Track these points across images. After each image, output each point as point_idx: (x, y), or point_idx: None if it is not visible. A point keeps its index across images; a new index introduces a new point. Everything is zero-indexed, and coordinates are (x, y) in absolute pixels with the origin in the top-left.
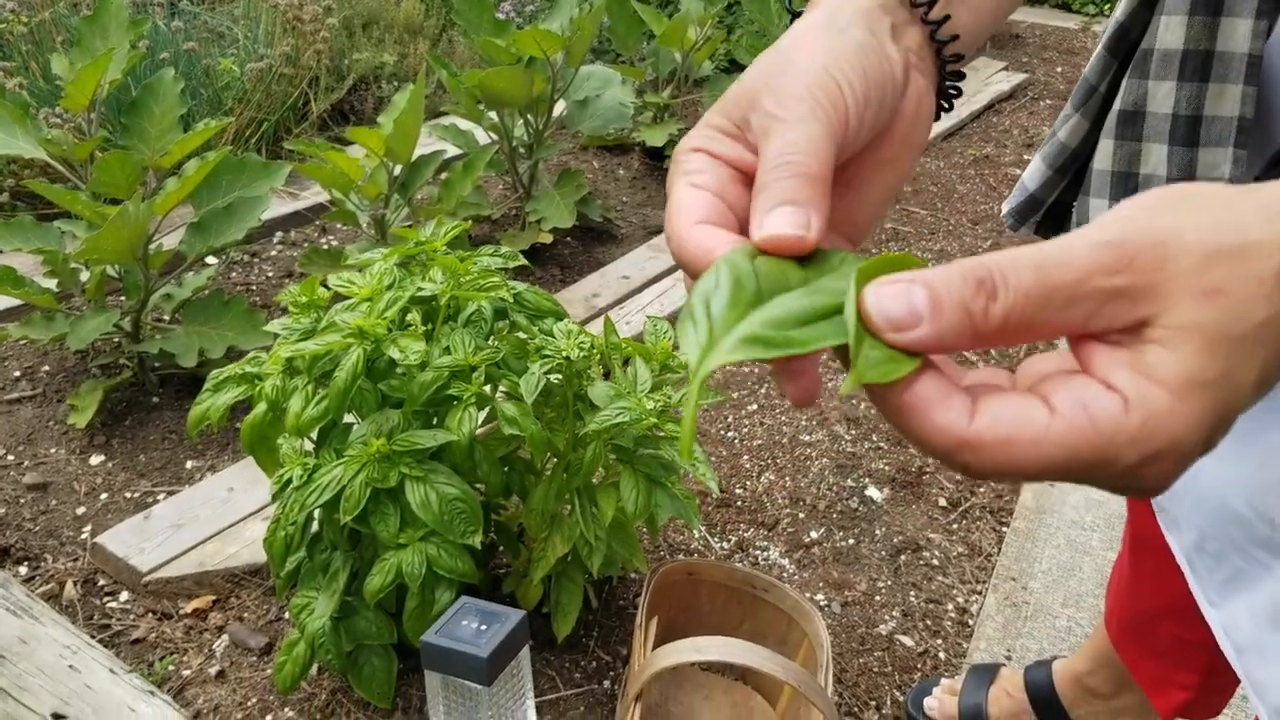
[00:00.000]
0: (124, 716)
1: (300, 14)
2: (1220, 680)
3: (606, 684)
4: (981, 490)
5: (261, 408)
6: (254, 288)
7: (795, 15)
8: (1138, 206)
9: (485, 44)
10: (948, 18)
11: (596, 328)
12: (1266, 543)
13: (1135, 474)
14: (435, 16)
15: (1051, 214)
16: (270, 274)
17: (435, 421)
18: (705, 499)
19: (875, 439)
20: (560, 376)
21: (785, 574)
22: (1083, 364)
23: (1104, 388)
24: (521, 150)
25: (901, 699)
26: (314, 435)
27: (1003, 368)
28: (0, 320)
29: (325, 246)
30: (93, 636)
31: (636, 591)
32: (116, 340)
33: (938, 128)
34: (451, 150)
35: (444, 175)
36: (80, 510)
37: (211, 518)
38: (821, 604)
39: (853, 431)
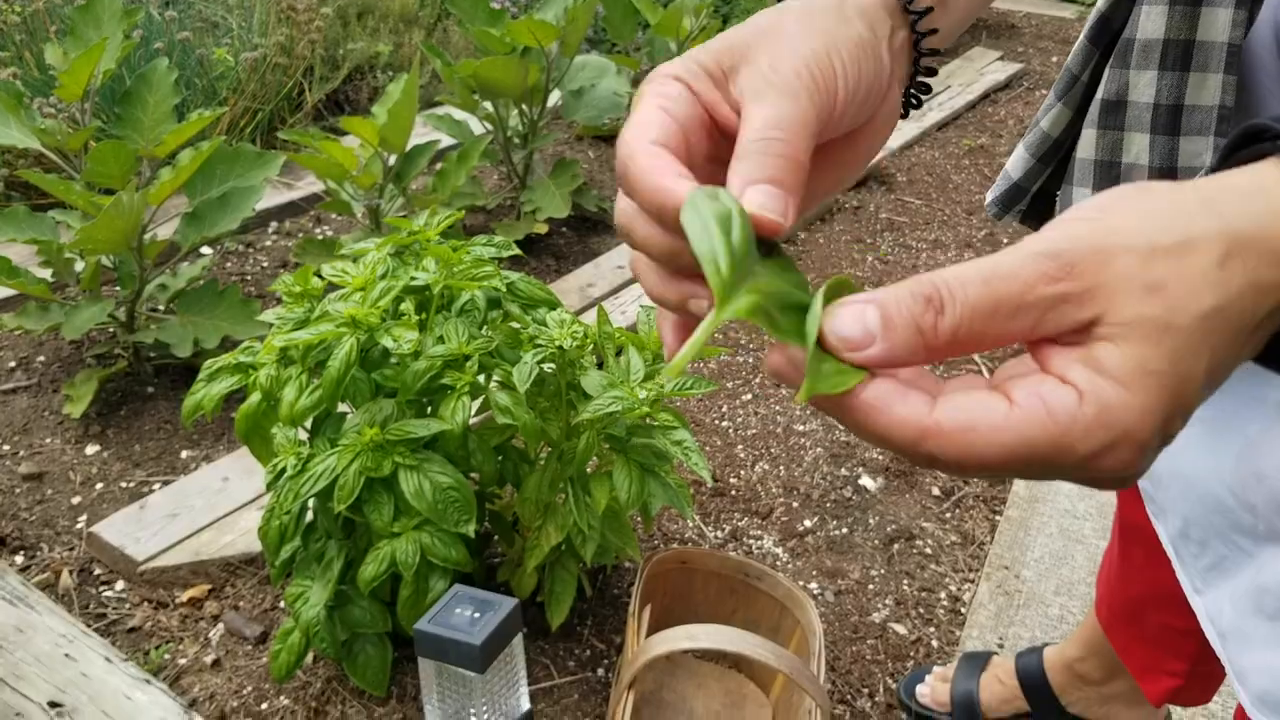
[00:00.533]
0: (120, 705)
1: (294, 3)
2: (1209, 668)
3: (600, 672)
4: (975, 479)
5: (256, 397)
6: (249, 278)
7: None
8: (1082, 213)
9: (480, 34)
10: (934, 31)
11: (591, 317)
12: (1248, 529)
13: (1094, 463)
14: (430, 6)
15: (1036, 203)
16: (265, 264)
17: (429, 411)
18: (699, 488)
19: None
20: (554, 366)
21: (779, 563)
22: (1040, 364)
23: (1059, 382)
24: (516, 140)
25: (894, 686)
26: (308, 425)
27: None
28: None
29: (320, 236)
30: (88, 625)
31: (630, 580)
32: (111, 330)
33: (933, 117)
34: (446, 140)
35: (439, 165)
36: (76, 500)
37: (206, 507)
38: (815, 592)
39: None
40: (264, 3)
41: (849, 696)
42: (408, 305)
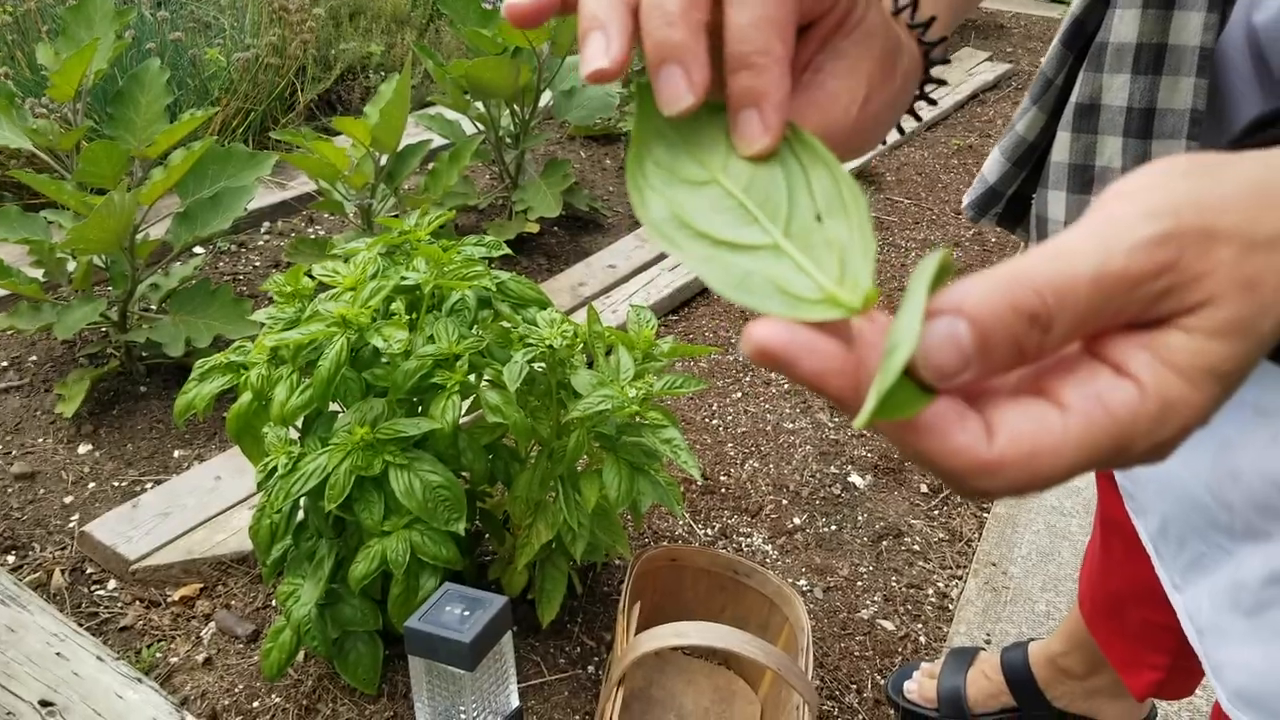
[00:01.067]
0: (111, 703)
1: (286, 4)
2: (1191, 662)
3: (591, 669)
4: None
5: (247, 397)
6: (241, 277)
7: None
8: (1179, 173)
9: (471, 34)
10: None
11: (583, 317)
12: (1226, 527)
13: (1144, 457)
14: (422, 6)
15: (1011, 206)
16: (258, 263)
17: (420, 410)
18: (690, 486)
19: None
20: (544, 365)
21: (768, 560)
22: (1090, 344)
23: (1113, 373)
24: (508, 140)
25: (882, 682)
26: (299, 424)
27: None
28: None
29: (313, 236)
30: (80, 624)
31: (621, 578)
32: (104, 330)
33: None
34: (438, 140)
35: (431, 165)
36: (68, 499)
37: (199, 506)
38: (804, 589)
39: (836, 419)
40: (256, 3)
41: (837, 692)
42: (398, 305)
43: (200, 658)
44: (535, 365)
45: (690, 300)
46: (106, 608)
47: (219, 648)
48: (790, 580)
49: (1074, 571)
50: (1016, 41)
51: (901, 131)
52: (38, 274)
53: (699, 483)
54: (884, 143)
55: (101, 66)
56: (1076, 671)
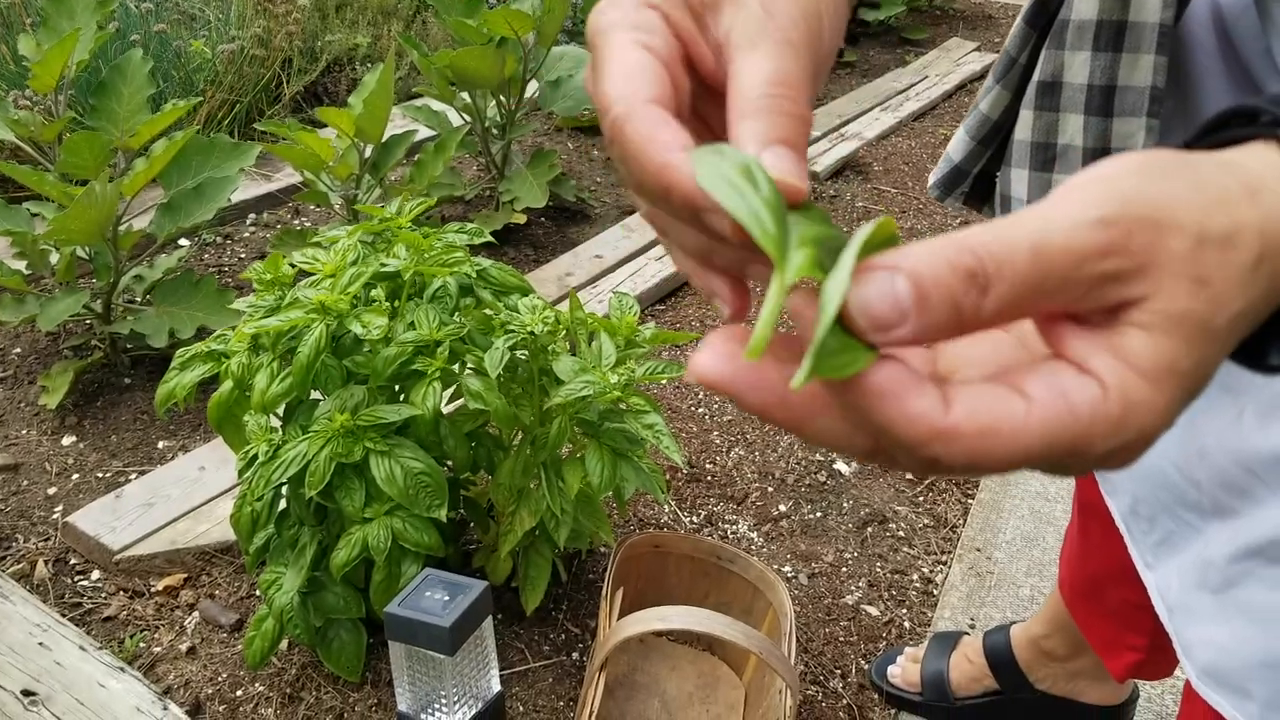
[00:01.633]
0: (94, 693)
1: None
2: (1169, 642)
3: (575, 655)
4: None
5: (228, 385)
6: (226, 269)
7: None
8: (1129, 172)
9: (457, 24)
10: None
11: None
12: (1194, 505)
13: (1102, 462)
14: None
15: (977, 185)
16: (243, 255)
17: (402, 397)
18: (675, 473)
19: None
20: (526, 352)
21: (754, 546)
22: (1051, 342)
23: (1077, 371)
24: (494, 131)
25: (866, 667)
26: (280, 412)
27: None
28: None
29: (298, 227)
30: (64, 615)
31: (606, 565)
32: (88, 321)
33: (910, 107)
34: (424, 131)
35: (417, 156)
36: (51, 490)
37: (183, 496)
38: (789, 575)
39: None
40: None
41: (821, 677)
42: (378, 292)
43: (184, 647)
44: (517, 352)
45: (677, 290)
46: (90, 598)
47: (203, 637)
48: (775, 566)
49: (1058, 556)
50: (1004, 31)
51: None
52: (21, 266)
53: (684, 469)
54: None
55: (83, 57)
56: (1059, 654)
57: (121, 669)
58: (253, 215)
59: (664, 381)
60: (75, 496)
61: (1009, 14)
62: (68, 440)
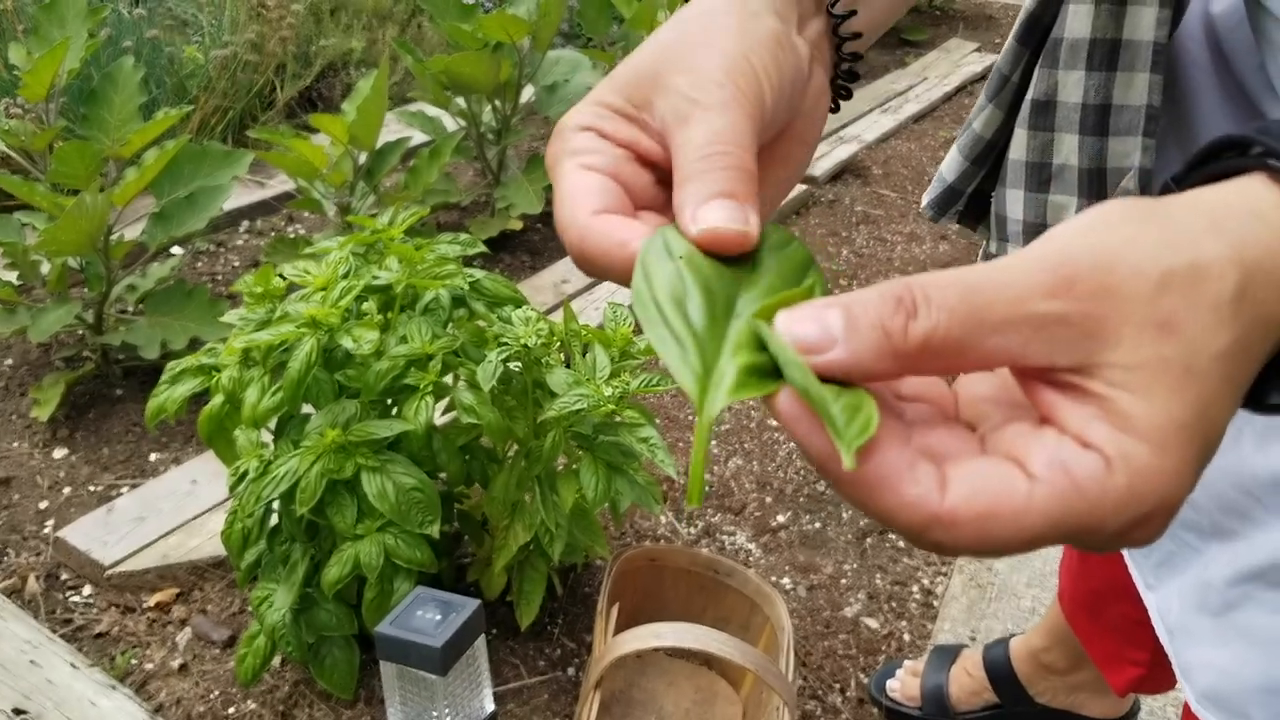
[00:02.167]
0: (85, 711)
1: (265, 0)
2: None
3: (571, 671)
4: None
5: (219, 399)
6: (219, 277)
7: None
8: (1079, 225)
9: (451, 29)
10: (854, 12)
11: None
12: (1193, 525)
13: (1122, 537)
14: (404, 2)
15: (972, 204)
16: (237, 264)
17: (394, 411)
18: (672, 485)
19: None
20: (519, 364)
21: (752, 558)
22: (1044, 413)
23: (1079, 446)
24: (490, 136)
25: (866, 682)
26: (273, 426)
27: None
28: None
29: (292, 235)
30: (55, 631)
31: (601, 579)
32: (79, 332)
33: (909, 109)
34: (419, 137)
35: (412, 162)
36: (43, 504)
37: (174, 510)
38: (787, 588)
39: None
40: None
41: (820, 692)
42: (370, 305)
43: (175, 664)
44: (510, 365)
45: None
46: (81, 614)
47: (194, 654)
48: (774, 578)
49: (1059, 567)
50: (1005, 32)
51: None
52: (12, 277)
53: (680, 481)
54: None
55: (74, 65)
56: (1059, 666)
57: (113, 687)
58: (246, 223)
59: (661, 392)
60: (67, 510)
61: (1010, 14)
62: (59, 453)
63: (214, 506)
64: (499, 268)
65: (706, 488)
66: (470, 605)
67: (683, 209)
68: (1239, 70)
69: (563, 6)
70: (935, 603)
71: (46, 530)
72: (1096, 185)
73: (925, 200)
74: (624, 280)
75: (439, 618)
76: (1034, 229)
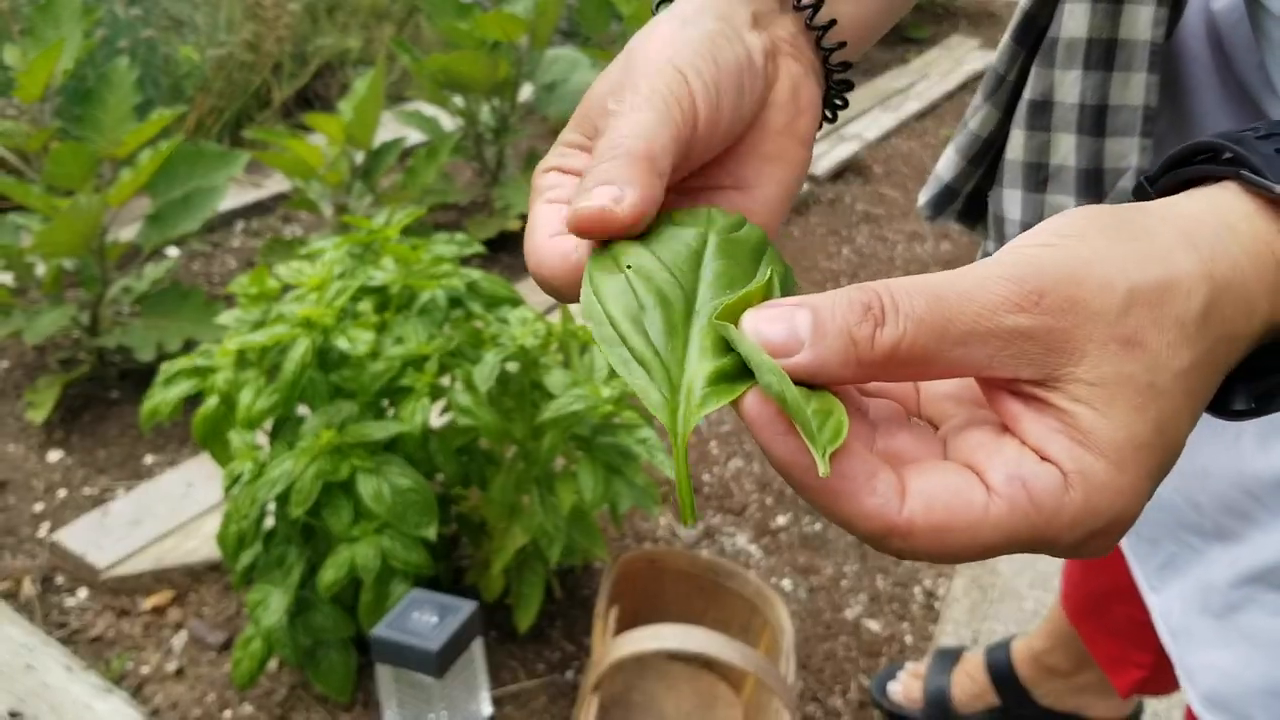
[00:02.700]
0: (81, 714)
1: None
2: None
3: (570, 674)
4: None
5: (213, 401)
6: (215, 278)
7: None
8: (1049, 233)
9: (449, 28)
10: (833, 22)
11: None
12: (1195, 527)
13: (1076, 550)
14: (401, 0)
15: (970, 203)
16: (233, 264)
17: (391, 413)
18: (673, 486)
19: None
20: (517, 365)
21: (752, 560)
22: (1007, 422)
23: (1037, 459)
24: (488, 135)
25: (867, 684)
26: (268, 428)
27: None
28: None
29: (288, 236)
30: (50, 634)
31: (600, 581)
32: (75, 334)
33: (911, 107)
34: (417, 137)
35: (409, 162)
36: (38, 507)
37: (170, 513)
38: (788, 589)
39: None
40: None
41: (820, 695)
42: (366, 305)
43: (171, 667)
44: (508, 365)
45: None
46: (77, 617)
47: (190, 657)
48: (774, 580)
49: (1061, 568)
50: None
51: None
52: (7, 279)
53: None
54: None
55: (69, 66)
56: (1062, 668)
57: (109, 690)
58: (242, 223)
59: None
60: (62, 513)
61: (1012, 12)
62: (54, 455)
63: (209, 509)
64: (497, 268)
65: (706, 488)
66: (467, 607)
67: (576, 195)
68: (1239, 68)
69: (561, 4)
70: (937, 605)
71: (42, 533)
72: (1094, 186)
73: (921, 200)
74: (576, 297)
75: (436, 620)
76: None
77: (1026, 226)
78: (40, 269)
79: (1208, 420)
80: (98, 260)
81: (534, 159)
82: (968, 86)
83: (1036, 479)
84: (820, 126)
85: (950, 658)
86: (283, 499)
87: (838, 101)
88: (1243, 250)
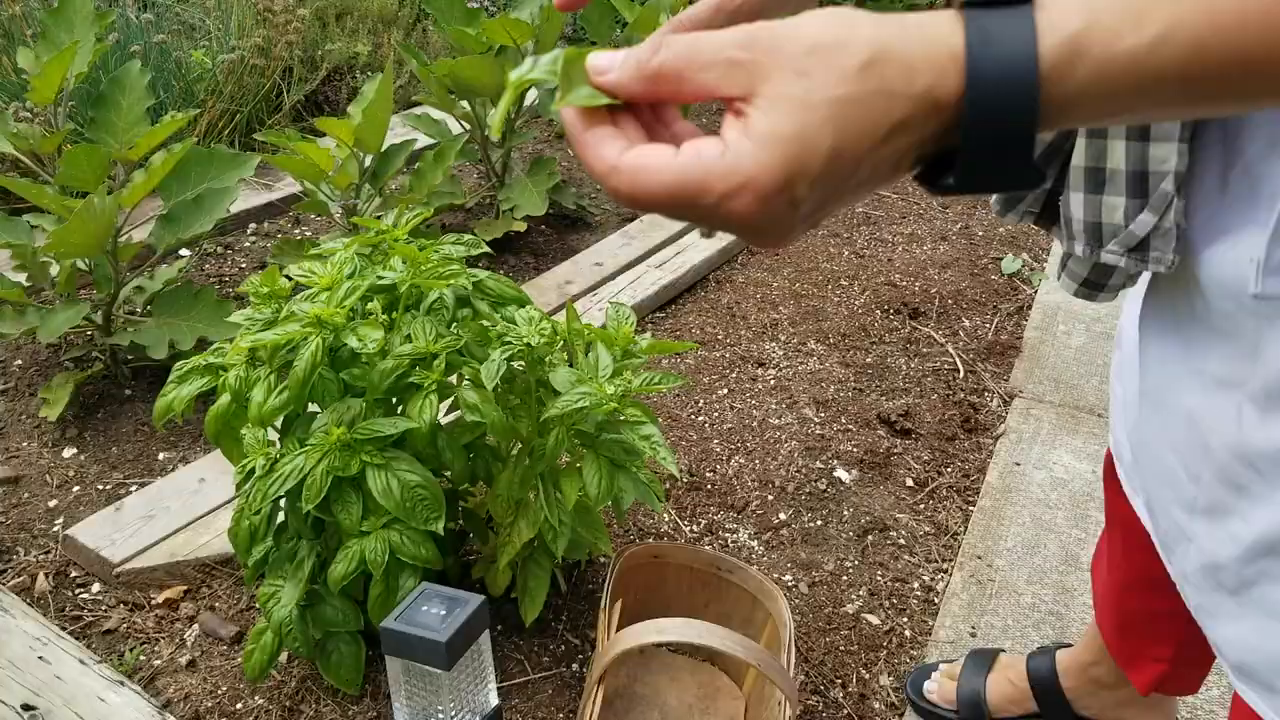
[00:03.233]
0: (94, 707)
1: (272, 5)
2: (1194, 653)
3: (575, 667)
4: (949, 470)
5: (225, 398)
6: (227, 279)
7: None
8: (791, 18)
9: (456, 33)
10: None
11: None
12: (1188, 504)
13: (725, 203)
14: (409, 6)
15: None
16: (244, 265)
17: (399, 410)
18: (675, 482)
19: (844, 421)
20: (523, 363)
21: (754, 555)
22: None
23: (717, 139)
24: (494, 139)
25: (866, 677)
26: (279, 425)
27: None
28: None
29: (299, 237)
30: (64, 628)
31: (605, 575)
32: (88, 333)
33: None
34: (424, 140)
35: (416, 165)
36: (52, 503)
37: (183, 508)
38: (789, 584)
39: (822, 414)
40: (241, 4)
41: (822, 687)
42: (375, 304)
43: (184, 660)
44: (514, 363)
45: (677, 298)
46: (90, 611)
47: (202, 650)
48: (775, 575)
49: (1060, 564)
50: None
51: None
52: (21, 278)
53: (682, 479)
54: None
55: (82, 70)
56: (1107, 681)
57: (121, 682)
58: (253, 225)
59: (664, 390)
60: (76, 509)
61: None
62: (68, 452)
63: (221, 505)
64: (503, 269)
65: (709, 485)
66: (475, 601)
67: None
68: None
69: None
70: (936, 599)
71: (56, 528)
72: (1140, 186)
73: (994, 196)
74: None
75: (444, 613)
76: (1092, 227)
77: (1088, 225)
78: (54, 269)
79: (1207, 395)
80: (111, 260)
81: (539, 162)
82: None
83: (706, 145)
84: None
85: (984, 660)
86: (293, 494)
87: None
88: (921, 35)
